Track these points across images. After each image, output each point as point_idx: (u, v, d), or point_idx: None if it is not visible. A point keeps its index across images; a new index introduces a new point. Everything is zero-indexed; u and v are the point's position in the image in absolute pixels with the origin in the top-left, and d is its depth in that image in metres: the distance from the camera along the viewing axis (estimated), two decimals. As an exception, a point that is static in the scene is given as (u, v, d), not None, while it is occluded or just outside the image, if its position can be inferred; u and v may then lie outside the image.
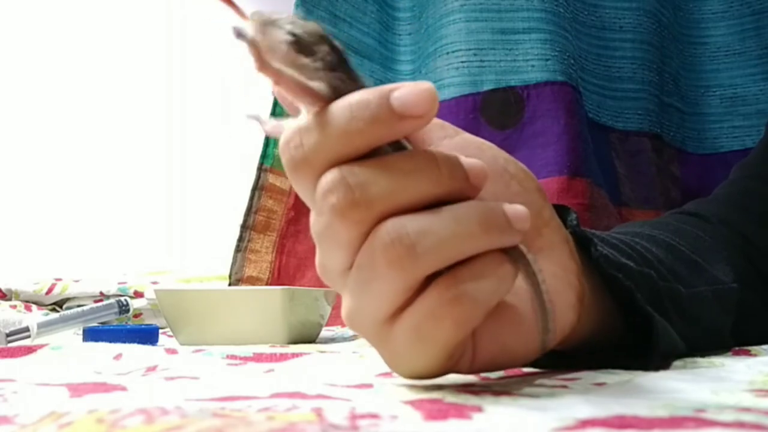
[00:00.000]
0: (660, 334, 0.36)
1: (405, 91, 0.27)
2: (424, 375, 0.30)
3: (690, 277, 0.46)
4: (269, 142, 0.99)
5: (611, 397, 0.28)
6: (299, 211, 0.98)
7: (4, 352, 0.47)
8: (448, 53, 0.97)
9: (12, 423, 0.24)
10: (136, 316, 0.97)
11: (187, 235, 1.57)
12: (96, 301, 0.83)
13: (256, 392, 0.30)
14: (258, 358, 0.46)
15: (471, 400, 0.27)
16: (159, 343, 0.63)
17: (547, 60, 0.95)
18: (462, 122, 0.93)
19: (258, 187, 0.98)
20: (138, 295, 1.01)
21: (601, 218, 0.90)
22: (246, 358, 0.46)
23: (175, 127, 1.59)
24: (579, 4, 1.02)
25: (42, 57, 1.53)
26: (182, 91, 1.58)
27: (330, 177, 0.27)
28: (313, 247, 0.30)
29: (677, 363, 0.39)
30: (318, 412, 0.25)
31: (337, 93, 0.28)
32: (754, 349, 0.48)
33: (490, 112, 0.95)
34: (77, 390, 0.32)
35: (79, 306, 0.76)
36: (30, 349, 0.48)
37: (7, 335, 0.59)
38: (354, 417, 0.24)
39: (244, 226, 0.97)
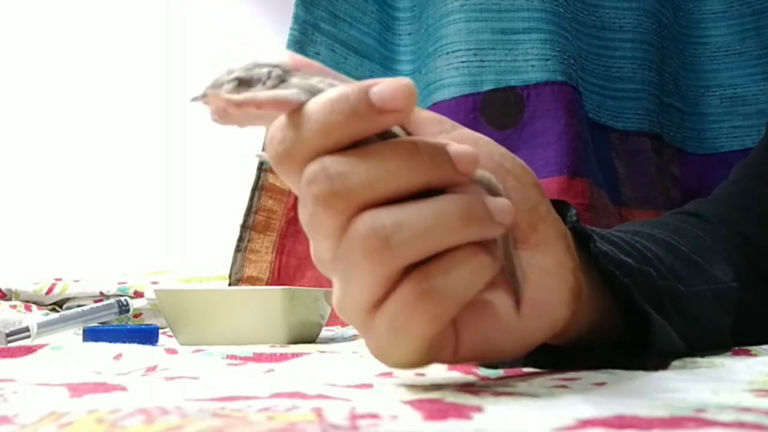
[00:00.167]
0: (657, 333, 0.36)
1: (383, 86, 0.27)
2: (406, 365, 0.30)
3: (690, 276, 0.46)
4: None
5: (611, 397, 0.28)
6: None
7: (4, 352, 0.47)
8: (448, 53, 0.97)
9: (12, 423, 0.24)
10: (136, 316, 0.97)
11: (187, 235, 1.57)
12: (96, 301, 0.83)
13: (256, 392, 0.30)
14: (258, 358, 0.46)
15: (471, 400, 0.27)
16: (159, 343, 0.63)
17: (547, 60, 0.95)
18: (462, 122, 0.91)
19: (258, 187, 0.98)
20: (138, 295, 1.01)
21: (601, 218, 0.90)
22: (246, 358, 0.46)
23: (174, 127, 1.59)
24: (579, 4, 1.02)
25: (42, 57, 1.53)
26: (182, 91, 1.58)
27: (312, 168, 0.27)
28: (313, 247, 0.30)
29: (677, 363, 0.39)
30: (318, 412, 0.25)
31: (314, 94, 0.28)
32: (754, 349, 0.48)
33: (490, 112, 0.95)
34: (77, 390, 0.31)
35: (79, 306, 0.76)
36: (30, 349, 0.48)
37: (7, 335, 0.59)
38: (354, 417, 0.24)
39: (244, 226, 0.98)
